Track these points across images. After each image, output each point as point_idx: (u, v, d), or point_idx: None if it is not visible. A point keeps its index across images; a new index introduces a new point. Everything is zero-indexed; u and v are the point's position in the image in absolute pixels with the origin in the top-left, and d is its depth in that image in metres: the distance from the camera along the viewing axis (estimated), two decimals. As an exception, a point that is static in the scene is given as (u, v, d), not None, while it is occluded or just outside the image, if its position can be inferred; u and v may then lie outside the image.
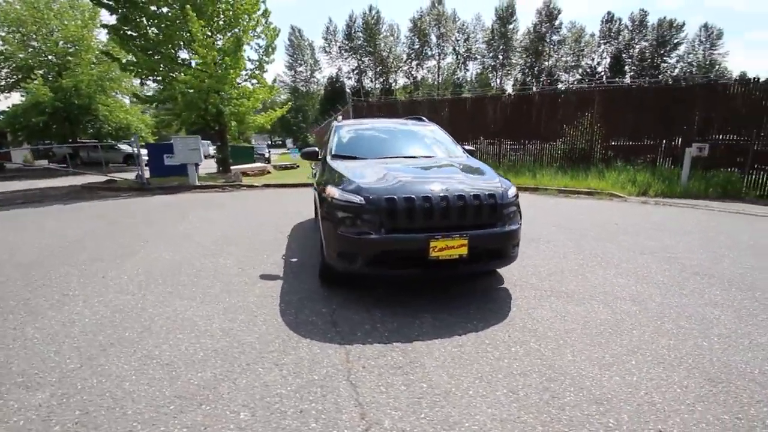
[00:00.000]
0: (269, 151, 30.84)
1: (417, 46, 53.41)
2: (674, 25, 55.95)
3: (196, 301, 3.20)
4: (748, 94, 8.90)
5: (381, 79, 55.84)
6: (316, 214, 5.94)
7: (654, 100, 10.32)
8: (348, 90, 53.46)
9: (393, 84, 55.78)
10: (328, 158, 3.91)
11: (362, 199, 2.82)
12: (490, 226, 2.87)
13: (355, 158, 3.86)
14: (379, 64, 53.51)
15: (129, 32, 12.26)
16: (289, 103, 19.84)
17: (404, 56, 54.86)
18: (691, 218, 6.39)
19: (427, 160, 3.88)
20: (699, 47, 56.27)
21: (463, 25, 54.65)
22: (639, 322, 2.74)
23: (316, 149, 4.31)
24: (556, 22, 54.69)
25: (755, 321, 2.76)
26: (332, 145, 4.16)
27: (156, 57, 12.62)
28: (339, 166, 3.56)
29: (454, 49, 55.27)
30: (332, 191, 3.01)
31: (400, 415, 1.86)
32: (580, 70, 57.15)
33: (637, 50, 58.45)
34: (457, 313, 2.89)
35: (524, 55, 56.08)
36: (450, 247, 2.72)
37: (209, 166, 16.17)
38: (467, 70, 57.23)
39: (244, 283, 3.60)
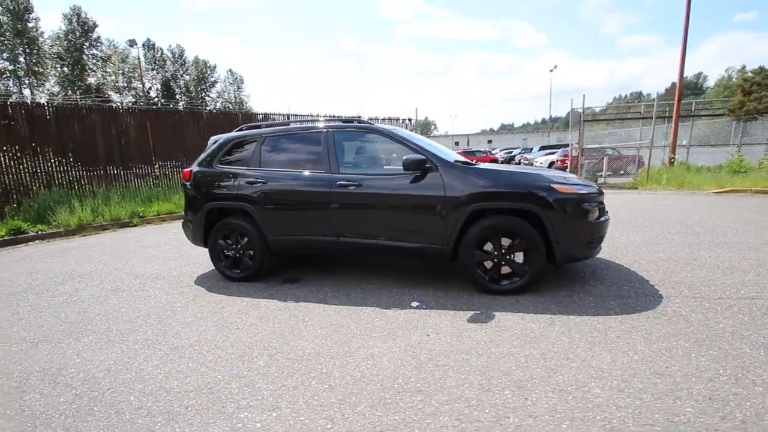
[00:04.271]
0: None
1: None
2: (208, 65, 65.37)
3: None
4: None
5: None
6: (213, 257, 4.26)
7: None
8: None
9: None
10: (449, 165, 3.49)
11: (597, 188, 3.39)
12: None
13: (469, 162, 3.76)
14: None
15: None
16: None
17: None
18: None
19: None
20: (230, 87, 69.17)
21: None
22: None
23: (422, 157, 3.41)
24: (94, 35, 48.36)
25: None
26: (436, 153, 3.58)
27: None
28: (492, 167, 3.66)
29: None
30: (568, 188, 3.24)
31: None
32: (133, 92, 54.22)
33: (182, 82, 63.25)
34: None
35: (61, 65, 45.45)
36: None
37: None
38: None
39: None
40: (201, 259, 5.18)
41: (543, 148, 28.48)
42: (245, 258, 4.14)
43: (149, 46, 56.62)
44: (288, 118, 13.71)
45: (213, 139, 4.44)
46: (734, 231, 5.44)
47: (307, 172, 3.87)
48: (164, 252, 5.82)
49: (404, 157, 3.42)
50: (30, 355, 2.76)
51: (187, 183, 4.37)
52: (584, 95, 13.63)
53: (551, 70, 32.54)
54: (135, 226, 8.61)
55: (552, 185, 3.29)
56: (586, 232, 3.35)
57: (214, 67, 65.56)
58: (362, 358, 2.47)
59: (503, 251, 3.39)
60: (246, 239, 4.10)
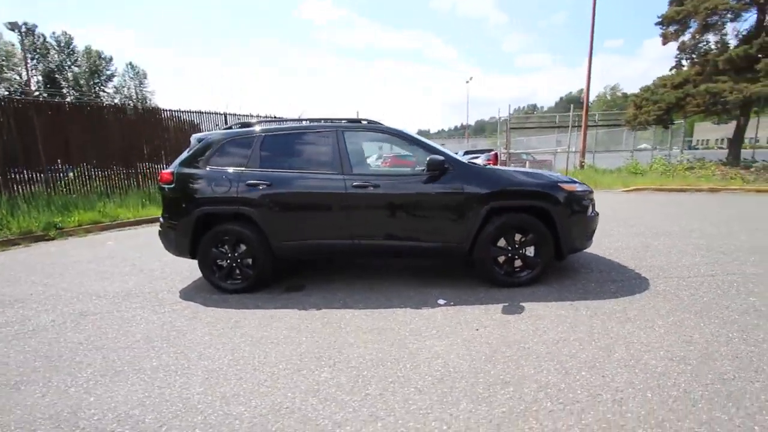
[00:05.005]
0: None
1: None
2: (103, 57, 57.81)
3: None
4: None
5: None
6: (204, 269, 3.87)
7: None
8: None
9: None
10: (464, 165, 3.62)
11: (588, 186, 3.76)
12: None
13: (478, 164, 3.91)
14: None
15: None
16: None
17: None
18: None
19: None
20: (130, 82, 61.87)
21: None
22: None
23: (443, 158, 3.46)
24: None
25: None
26: (448, 153, 3.69)
27: None
28: (502, 168, 3.81)
29: None
30: (571, 186, 3.55)
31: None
32: (6, 84, 45.67)
33: (71, 75, 55.04)
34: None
35: None
36: None
37: None
38: None
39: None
40: (168, 272, 4.62)
41: (467, 152, 30.52)
42: (243, 267, 3.80)
43: (28, 31, 48.20)
44: (225, 118, 12.81)
45: (197, 137, 3.99)
46: (661, 222, 6.47)
47: (317, 173, 3.69)
48: (114, 267, 5.04)
49: (428, 158, 3.48)
50: (16, 400, 2.22)
51: (168, 186, 3.87)
52: (509, 105, 15.43)
53: (467, 81, 35.40)
54: (53, 239, 7.28)
55: (558, 183, 3.61)
56: (586, 226, 3.74)
57: (110, 59, 58.31)
58: (430, 358, 2.46)
59: (516, 246, 3.63)
60: (244, 247, 3.77)
